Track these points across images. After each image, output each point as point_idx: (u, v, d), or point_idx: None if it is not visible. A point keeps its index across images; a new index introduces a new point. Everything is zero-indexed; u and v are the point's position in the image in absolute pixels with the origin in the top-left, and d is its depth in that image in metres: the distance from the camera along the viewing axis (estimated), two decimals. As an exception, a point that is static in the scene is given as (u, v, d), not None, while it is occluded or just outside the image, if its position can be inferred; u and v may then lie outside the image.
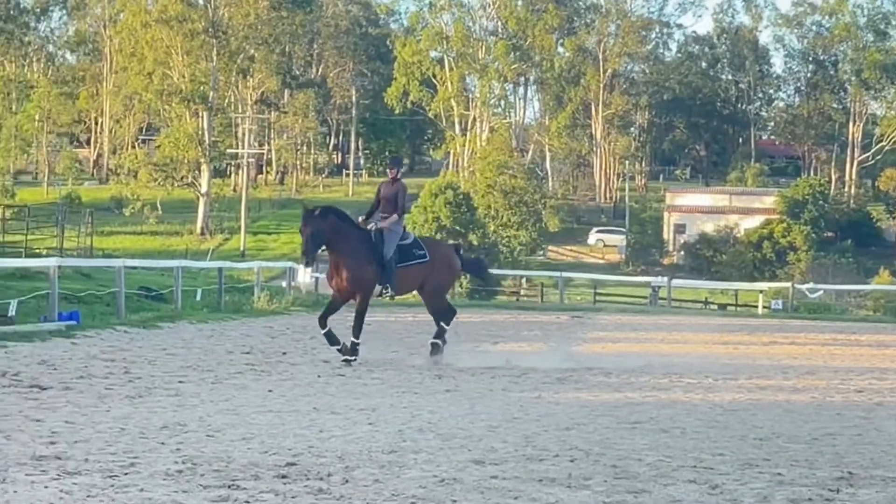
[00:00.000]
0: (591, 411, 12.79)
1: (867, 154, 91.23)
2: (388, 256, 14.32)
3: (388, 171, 15.24)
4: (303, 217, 14.41)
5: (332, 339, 14.28)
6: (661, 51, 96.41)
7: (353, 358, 14.04)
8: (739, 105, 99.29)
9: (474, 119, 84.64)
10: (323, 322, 14.29)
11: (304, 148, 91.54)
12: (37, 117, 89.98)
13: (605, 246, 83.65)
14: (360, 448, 9.62)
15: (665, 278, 51.99)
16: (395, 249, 14.40)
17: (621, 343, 24.76)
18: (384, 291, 14.47)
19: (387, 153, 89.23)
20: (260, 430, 10.14)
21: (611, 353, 21.49)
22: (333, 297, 14.92)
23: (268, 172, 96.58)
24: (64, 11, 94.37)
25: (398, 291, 14.94)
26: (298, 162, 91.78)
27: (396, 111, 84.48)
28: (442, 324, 15.02)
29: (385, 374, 16.11)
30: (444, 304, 15.76)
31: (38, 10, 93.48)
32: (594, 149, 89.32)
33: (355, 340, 14.31)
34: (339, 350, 14.18)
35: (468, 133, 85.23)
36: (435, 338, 14.95)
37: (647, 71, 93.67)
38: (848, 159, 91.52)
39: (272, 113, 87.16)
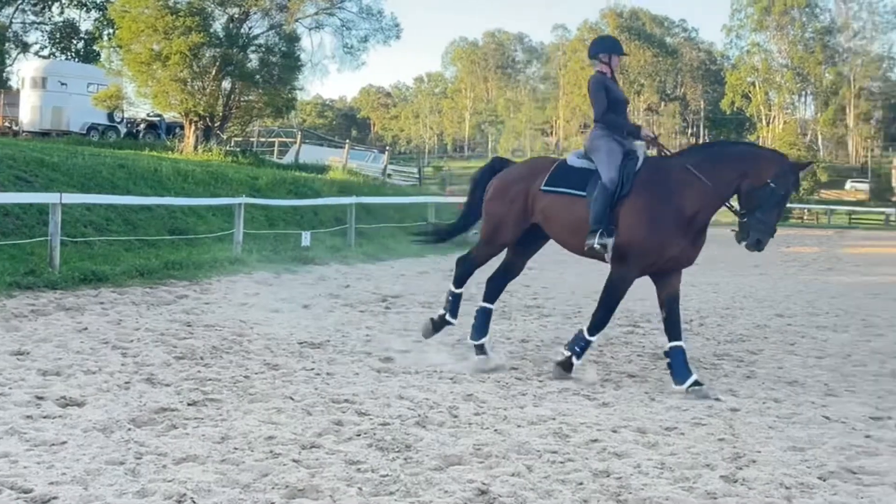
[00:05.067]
0: (848, 287, 16.40)
1: None
2: None
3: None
4: None
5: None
6: (890, 74, 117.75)
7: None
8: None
9: (773, 117, 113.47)
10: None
11: (674, 134, 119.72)
12: (524, 120, 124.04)
13: (856, 191, 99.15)
14: (708, 306, 13.34)
15: (893, 209, 67.84)
16: None
17: (867, 248, 32.49)
18: None
19: (722, 138, 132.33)
20: (648, 294, 10.16)
21: (860, 254, 28.51)
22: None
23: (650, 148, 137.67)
24: (538, 63, 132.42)
25: None
26: (670, 142, 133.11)
27: (728, 112, 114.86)
28: None
29: (719, 262, 21.15)
30: None
31: (525, 61, 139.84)
32: (849, 133, 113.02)
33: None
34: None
35: (770, 125, 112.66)
36: None
37: (881, 86, 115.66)
38: None
39: (654, 115, 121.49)
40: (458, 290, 9.20)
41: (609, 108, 8.52)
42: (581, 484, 5.35)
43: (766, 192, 7.87)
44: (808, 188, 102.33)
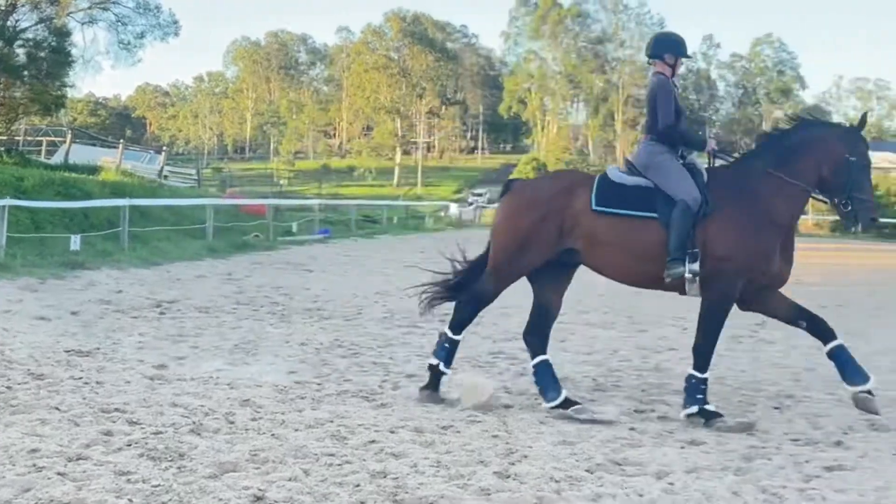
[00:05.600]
0: (616, 285, 10.06)
1: None
2: None
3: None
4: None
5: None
6: None
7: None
8: (700, 112, 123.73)
9: (548, 122, 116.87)
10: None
11: (454, 138, 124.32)
12: (307, 122, 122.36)
13: None
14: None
15: None
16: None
17: None
18: None
19: (500, 142, 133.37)
20: None
21: None
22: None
23: (432, 151, 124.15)
24: (322, 65, 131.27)
25: None
26: (449, 146, 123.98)
27: (505, 117, 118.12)
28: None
29: None
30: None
31: (308, 62, 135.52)
32: (617, 138, 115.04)
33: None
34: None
35: (544, 129, 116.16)
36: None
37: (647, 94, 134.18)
38: None
39: (436, 118, 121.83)
40: (456, 337, 7.82)
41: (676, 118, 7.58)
42: (358, 486, 5.36)
43: (849, 168, 7.28)
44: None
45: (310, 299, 14.38)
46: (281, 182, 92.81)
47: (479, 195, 66.20)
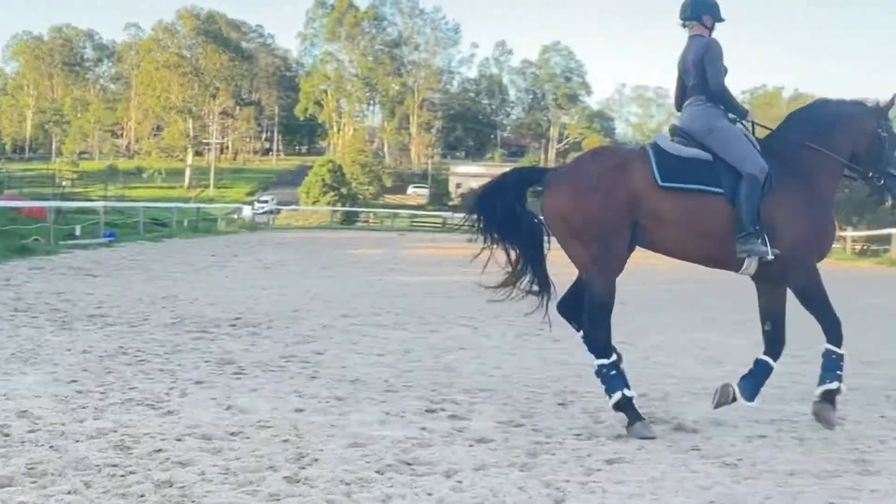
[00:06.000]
0: (408, 287, 17.23)
1: (560, 144, 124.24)
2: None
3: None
4: None
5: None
6: (449, 87, 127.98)
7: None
8: (492, 117, 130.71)
9: (344, 124, 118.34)
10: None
11: (248, 139, 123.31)
12: (92, 120, 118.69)
13: (417, 195, 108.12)
14: (276, 309, 13.40)
15: (450, 213, 71.30)
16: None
17: (426, 249, 34.37)
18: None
19: (295, 144, 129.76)
20: (220, 298, 13.88)
21: (420, 254, 30.34)
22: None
23: (226, 152, 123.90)
24: (110, 62, 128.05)
25: None
26: (244, 147, 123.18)
27: (301, 118, 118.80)
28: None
29: (289, 264, 25.18)
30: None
31: (95, 59, 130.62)
32: (412, 141, 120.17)
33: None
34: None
35: (340, 131, 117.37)
36: None
37: (442, 97, 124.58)
38: (551, 147, 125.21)
39: (229, 119, 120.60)
40: (611, 360, 6.96)
41: None
42: (143, 496, 5.19)
43: (881, 143, 7.19)
44: (375, 193, 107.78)
45: (93, 305, 13.82)
46: (64, 183, 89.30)
47: (265, 202, 66.26)
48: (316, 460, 6.03)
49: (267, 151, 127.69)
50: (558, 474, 5.91)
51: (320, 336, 11.42)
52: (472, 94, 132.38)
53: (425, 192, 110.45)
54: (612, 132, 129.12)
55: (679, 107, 7.48)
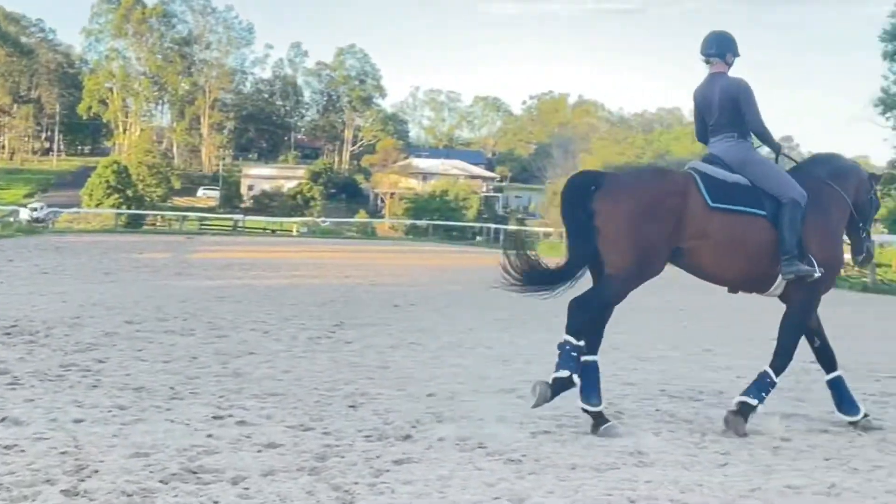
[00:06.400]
0: (197, 291, 16.65)
1: (355, 147, 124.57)
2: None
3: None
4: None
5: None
6: (242, 87, 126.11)
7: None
8: (286, 118, 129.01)
9: (131, 123, 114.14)
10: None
11: (26, 138, 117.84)
12: None
13: (207, 197, 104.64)
14: (56, 316, 12.81)
15: (241, 215, 76.39)
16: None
17: (216, 252, 33.19)
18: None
19: (78, 144, 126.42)
20: None
21: (209, 258, 29.13)
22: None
23: (2, 152, 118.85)
24: None
25: None
26: (21, 146, 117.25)
27: (84, 117, 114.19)
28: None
29: (68, 269, 24.39)
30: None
31: None
32: (202, 142, 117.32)
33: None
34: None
35: (126, 131, 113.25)
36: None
37: (234, 98, 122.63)
38: (345, 149, 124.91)
39: (6, 117, 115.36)
40: (580, 343, 7.13)
41: None
42: None
43: (871, 204, 7.95)
44: (163, 195, 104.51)
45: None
46: None
47: (36, 209, 65.27)
48: (96, 472, 5.83)
49: (47, 151, 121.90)
50: (347, 476, 5.94)
51: (102, 343, 11.03)
52: (266, 96, 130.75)
53: (216, 194, 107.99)
54: (406, 135, 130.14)
55: (702, 139, 7.87)
